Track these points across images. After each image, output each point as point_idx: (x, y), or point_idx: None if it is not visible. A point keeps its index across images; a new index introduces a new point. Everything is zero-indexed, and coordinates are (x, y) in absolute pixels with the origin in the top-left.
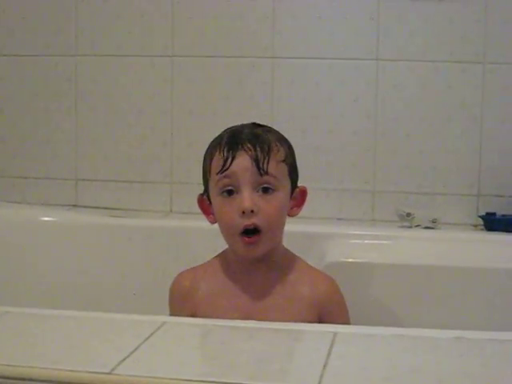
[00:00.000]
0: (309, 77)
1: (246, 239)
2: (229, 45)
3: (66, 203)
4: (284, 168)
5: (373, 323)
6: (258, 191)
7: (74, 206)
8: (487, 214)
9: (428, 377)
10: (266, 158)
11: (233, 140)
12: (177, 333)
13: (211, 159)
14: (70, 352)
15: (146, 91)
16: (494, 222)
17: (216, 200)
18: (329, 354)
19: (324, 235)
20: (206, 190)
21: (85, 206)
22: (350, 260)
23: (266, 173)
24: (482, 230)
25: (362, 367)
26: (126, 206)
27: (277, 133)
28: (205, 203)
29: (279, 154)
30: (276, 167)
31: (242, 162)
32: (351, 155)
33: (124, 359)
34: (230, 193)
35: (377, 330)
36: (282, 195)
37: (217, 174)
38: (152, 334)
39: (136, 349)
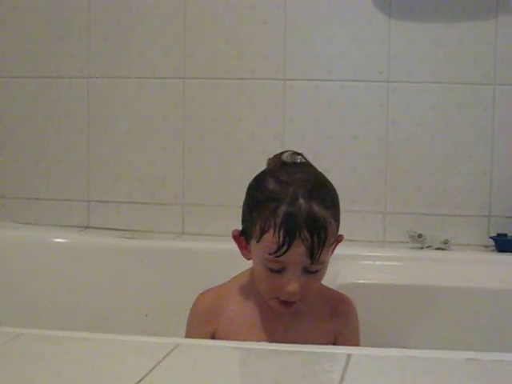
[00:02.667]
0: (320, 98)
1: (284, 304)
2: (240, 67)
3: (78, 225)
4: (333, 244)
5: (385, 344)
6: (304, 273)
7: (86, 227)
8: (498, 235)
9: None
10: (321, 247)
11: (290, 224)
12: (191, 355)
13: (262, 229)
14: (83, 374)
15: (158, 113)
16: (505, 243)
17: (259, 264)
18: (343, 376)
19: (335, 257)
20: (245, 233)
21: (97, 228)
22: (362, 281)
23: (317, 261)
24: (493, 250)
25: None
26: (137, 227)
27: (329, 195)
28: (242, 242)
29: (332, 236)
30: (327, 253)
31: (297, 252)
32: (362, 176)
33: (138, 381)
34: (276, 270)
35: (389, 351)
36: (325, 270)
37: (269, 254)
38: (166, 356)
39: (150, 371)
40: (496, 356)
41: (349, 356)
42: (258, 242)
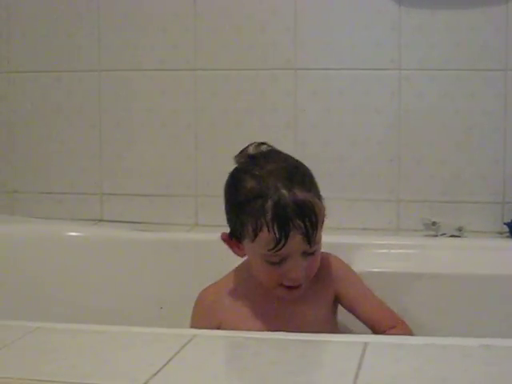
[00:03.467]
0: (331, 88)
1: (290, 289)
2: (251, 57)
3: (92, 218)
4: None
5: None
6: (304, 256)
7: (100, 220)
8: None
9: None
10: (315, 230)
11: (282, 218)
12: (207, 346)
13: (255, 229)
14: (100, 366)
15: (170, 105)
16: None
17: (257, 259)
18: (360, 365)
19: (349, 246)
20: (235, 234)
21: (110, 221)
22: (376, 270)
23: (315, 242)
24: (507, 237)
25: (393, 377)
26: (151, 219)
27: (306, 177)
28: (233, 243)
29: (321, 214)
30: (320, 231)
31: (295, 242)
32: (375, 165)
33: (155, 373)
34: (277, 262)
35: (406, 339)
36: (320, 245)
37: (268, 250)
38: (182, 348)
39: (167, 363)
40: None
41: (365, 344)
42: (253, 241)
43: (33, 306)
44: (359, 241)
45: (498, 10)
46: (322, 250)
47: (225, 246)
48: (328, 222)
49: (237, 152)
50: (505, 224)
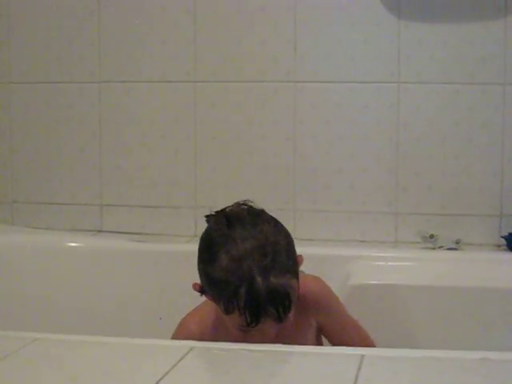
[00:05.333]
0: (331, 100)
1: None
2: (251, 70)
3: (91, 229)
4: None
5: (398, 345)
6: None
7: (99, 231)
8: (510, 234)
9: None
10: (287, 311)
11: (254, 306)
12: (206, 357)
13: (227, 309)
14: (101, 377)
15: (170, 116)
16: None
17: (228, 322)
18: (356, 377)
19: (347, 258)
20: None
21: (110, 231)
22: (374, 282)
23: (286, 320)
24: (504, 250)
25: None
26: (150, 230)
27: (284, 254)
28: (207, 296)
29: (295, 294)
30: (293, 308)
31: (266, 324)
32: (374, 177)
33: None
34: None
35: (403, 352)
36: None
37: (239, 327)
38: (181, 359)
39: (166, 374)
40: (510, 356)
41: (362, 357)
42: (225, 314)
43: (32, 316)
44: (357, 253)
45: (497, 24)
46: (305, 270)
47: None
48: (326, 234)
49: (236, 164)
50: (502, 237)
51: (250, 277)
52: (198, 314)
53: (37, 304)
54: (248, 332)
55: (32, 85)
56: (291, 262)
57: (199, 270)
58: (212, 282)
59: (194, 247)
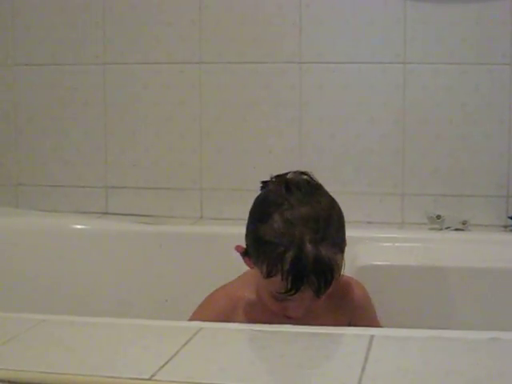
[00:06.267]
0: (337, 81)
1: (290, 318)
2: (256, 51)
3: (97, 211)
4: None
5: (406, 325)
6: (309, 300)
7: (105, 213)
8: None
9: (464, 378)
10: (327, 287)
11: (298, 272)
12: (214, 338)
13: (270, 271)
14: (109, 359)
15: (175, 98)
16: None
17: (264, 289)
18: (366, 358)
19: (354, 239)
20: (250, 255)
21: (115, 214)
22: (381, 263)
23: (325, 294)
24: (511, 230)
25: (399, 370)
26: (156, 212)
27: (336, 227)
28: (246, 259)
29: (338, 271)
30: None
31: (304, 294)
32: (380, 159)
33: (163, 365)
34: (282, 299)
35: (412, 332)
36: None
37: (276, 292)
38: (190, 340)
39: (174, 355)
40: None
41: (372, 337)
42: (264, 278)
43: (38, 299)
44: (364, 234)
45: (503, 4)
46: (361, 277)
47: (230, 240)
48: None
49: (241, 145)
50: (509, 217)
51: (301, 242)
52: (227, 288)
53: (42, 286)
54: (283, 302)
55: (37, 67)
56: (341, 240)
57: (248, 230)
58: (260, 241)
59: (199, 229)
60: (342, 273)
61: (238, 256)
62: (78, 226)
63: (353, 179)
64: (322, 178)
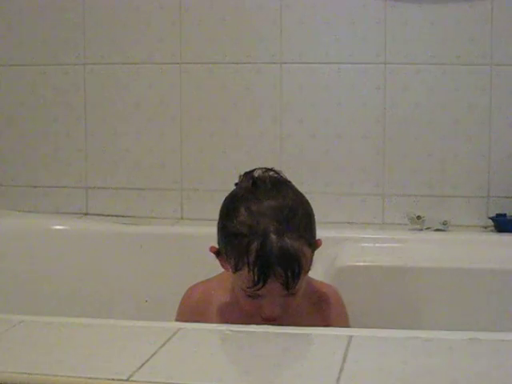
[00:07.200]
0: (317, 81)
1: (264, 320)
2: (237, 51)
3: (77, 211)
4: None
5: (386, 326)
6: (282, 296)
7: (85, 214)
8: (497, 215)
9: (442, 378)
10: (296, 279)
11: (263, 263)
12: (192, 339)
13: (237, 265)
14: (86, 359)
15: (155, 98)
16: (504, 223)
17: (237, 288)
18: (344, 358)
19: (335, 239)
20: (221, 253)
21: (95, 214)
22: (362, 264)
23: (294, 289)
24: (492, 231)
25: (378, 370)
26: (136, 213)
27: (302, 220)
28: (221, 259)
29: (307, 264)
30: (303, 279)
31: (273, 287)
32: (361, 159)
33: (141, 366)
34: (254, 297)
35: (390, 332)
36: (304, 285)
37: (246, 287)
38: (168, 341)
39: (152, 355)
40: (497, 336)
41: (350, 337)
42: (233, 273)
43: (18, 300)
44: (345, 234)
45: (484, 4)
46: (341, 277)
47: (210, 240)
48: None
49: (222, 145)
50: (490, 218)
51: (265, 233)
52: (205, 283)
53: (23, 287)
54: (255, 299)
55: (16, 67)
56: (308, 232)
57: (217, 227)
58: (227, 235)
59: (179, 229)
60: (316, 272)
61: None
62: (59, 227)
63: (333, 180)
64: (302, 178)
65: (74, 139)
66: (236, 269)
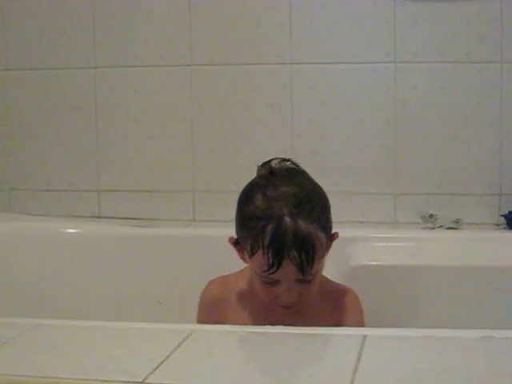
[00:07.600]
0: (327, 82)
1: (284, 307)
2: (247, 52)
3: (89, 214)
4: (323, 256)
5: (399, 325)
6: (298, 282)
7: (97, 217)
8: (510, 212)
9: (457, 377)
10: (310, 263)
11: (278, 245)
12: (206, 340)
13: (252, 248)
14: (101, 362)
15: (166, 100)
16: None
17: (254, 275)
18: (359, 358)
19: (347, 239)
20: (239, 242)
21: (108, 217)
22: (375, 263)
23: (309, 274)
24: (504, 228)
25: (392, 369)
26: (148, 215)
27: (317, 207)
28: (239, 249)
29: (321, 249)
30: (318, 264)
31: (288, 270)
32: (372, 158)
33: (155, 368)
34: (270, 283)
35: (405, 331)
36: (321, 273)
37: (261, 271)
38: (182, 343)
39: (167, 357)
40: (511, 333)
41: (364, 337)
42: (250, 258)
43: (31, 303)
44: (357, 234)
45: (493, 1)
46: (354, 277)
47: (222, 242)
48: None
49: (233, 146)
50: (502, 216)
51: (279, 216)
52: (223, 278)
53: (35, 291)
54: (272, 286)
55: (27, 71)
56: (323, 218)
57: (236, 215)
58: (243, 220)
59: (192, 231)
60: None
61: (230, 258)
62: (71, 230)
63: (345, 179)
64: (314, 178)
65: (85, 142)
66: (252, 253)
